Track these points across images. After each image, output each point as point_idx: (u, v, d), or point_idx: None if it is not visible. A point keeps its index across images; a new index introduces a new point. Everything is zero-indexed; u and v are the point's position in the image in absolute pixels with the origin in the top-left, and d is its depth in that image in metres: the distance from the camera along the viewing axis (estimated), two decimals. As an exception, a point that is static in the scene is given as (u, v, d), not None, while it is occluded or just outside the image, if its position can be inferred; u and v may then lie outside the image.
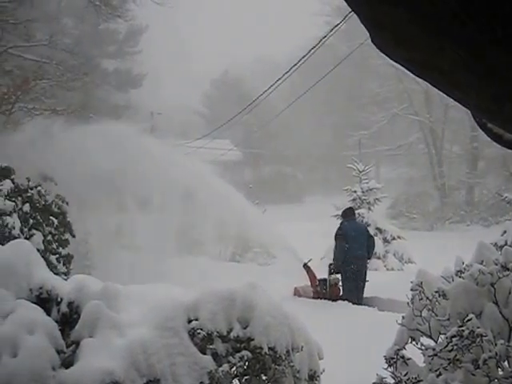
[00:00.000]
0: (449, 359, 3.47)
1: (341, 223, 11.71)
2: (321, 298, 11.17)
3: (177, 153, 14.25)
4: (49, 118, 18.79)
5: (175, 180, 12.72)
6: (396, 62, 1.68)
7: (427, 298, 4.05)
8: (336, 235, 11.37)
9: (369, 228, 15.90)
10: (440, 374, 3.51)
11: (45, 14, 22.33)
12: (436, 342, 3.97)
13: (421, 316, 4.09)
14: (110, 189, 12.38)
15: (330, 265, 11.57)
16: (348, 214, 11.78)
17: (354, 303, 10.53)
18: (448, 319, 3.86)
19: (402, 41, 1.53)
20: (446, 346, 3.49)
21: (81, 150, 12.09)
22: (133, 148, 12.55)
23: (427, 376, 3.62)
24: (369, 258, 11.52)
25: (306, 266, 11.77)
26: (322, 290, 11.23)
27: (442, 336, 3.93)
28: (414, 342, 4.16)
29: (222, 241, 18.00)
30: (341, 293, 11.21)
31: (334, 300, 10.87)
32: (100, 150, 11.98)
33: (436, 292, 4.00)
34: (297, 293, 11.61)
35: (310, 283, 11.58)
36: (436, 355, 3.56)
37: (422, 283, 4.11)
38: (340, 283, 11.30)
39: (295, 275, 12.00)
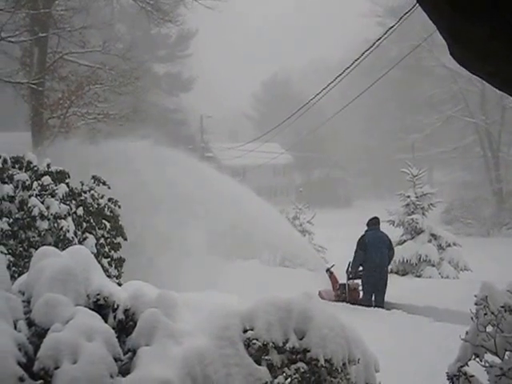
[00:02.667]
0: (518, 380, 3.30)
1: (365, 231, 12.07)
2: (341, 301, 11.88)
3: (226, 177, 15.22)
4: (102, 123, 19.23)
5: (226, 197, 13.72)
6: (476, 75, 1.62)
7: (492, 312, 3.88)
8: (357, 242, 11.86)
9: (423, 234, 15.71)
10: (509, 395, 3.34)
11: (99, 21, 22.82)
12: (502, 360, 3.80)
13: (485, 331, 3.91)
14: (162, 196, 12.89)
15: (347, 271, 12.17)
16: (372, 223, 12.12)
17: (369, 306, 11.17)
18: (516, 336, 3.69)
19: (485, 56, 1.48)
20: (516, 365, 3.32)
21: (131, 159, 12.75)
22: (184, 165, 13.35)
23: (494, 396, 3.46)
24: (388, 266, 12.08)
25: (328, 270, 12.79)
26: (342, 294, 12.05)
27: (508, 353, 3.76)
28: (477, 359, 3.99)
29: (272, 247, 18.15)
30: (360, 297, 11.94)
31: (352, 303, 11.56)
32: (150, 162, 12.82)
33: (502, 307, 3.83)
34: (320, 296, 12.01)
35: (332, 287, 12.46)
36: (504, 375, 3.40)
37: (486, 298, 3.94)
38: (360, 288, 12.06)
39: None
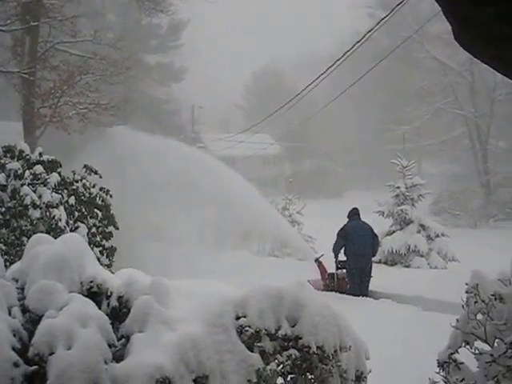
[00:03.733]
0: (508, 366, 3.37)
1: (346, 223, 12.34)
2: (330, 291, 11.95)
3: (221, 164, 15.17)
4: (93, 112, 19.17)
5: (215, 186, 13.74)
6: (481, 60, 1.64)
7: (483, 301, 3.94)
8: (338, 233, 12.17)
9: (412, 224, 15.83)
10: (498, 382, 3.41)
11: (90, 11, 22.69)
12: (491, 347, 3.86)
13: (476, 319, 3.98)
14: (151, 186, 12.86)
15: (336, 261, 12.42)
16: (353, 213, 12.40)
17: (356, 295, 11.33)
18: (505, 324, 3.75)
19: (491, 39, 1.49)
20: (505, 352, 3.38)
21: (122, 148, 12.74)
22: (175, 155, 13.43)
23: (483, 383, 3.52)
24: (373, 256, 12.20)
25: (317, 260, 13.01)
26: (331, 283, 12.23)
27: (498, 341, 3.82)
28: (467, 346, 4.05)
29: (261, 237, 18.23)
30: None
31: (341, 292, 11.66)
32: (142, 153, 12.76)
33: (492, 295, 3.88)
34: None
35: (320, 277, 12.60)
36: (494, 361, 3.46)
37: (477, 286, 4.00)
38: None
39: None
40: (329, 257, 12.66)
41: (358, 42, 15.00)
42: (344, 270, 12.25)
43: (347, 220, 12.39)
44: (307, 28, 72.24)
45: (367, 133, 54.51)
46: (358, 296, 11.32)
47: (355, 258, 11.74)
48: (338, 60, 15.90)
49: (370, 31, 14.38)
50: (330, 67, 16.36)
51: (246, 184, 15.04)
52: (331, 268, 12.55)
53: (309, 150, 54.70)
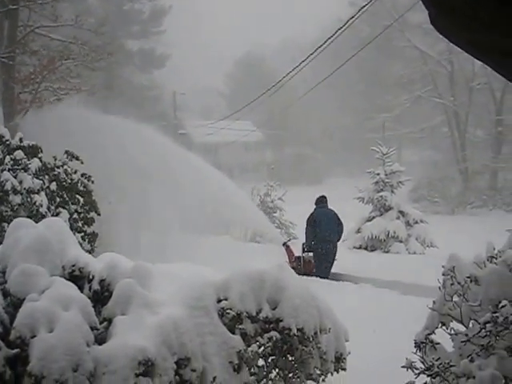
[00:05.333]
0: (482, 345, 3.46)
1: (314, 209, 12.82)
2: (296, 273, 11.99)
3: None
4: (73, 98, 18.98)
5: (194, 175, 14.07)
6: (456, 44, 1.68)
7: (459, 283, 4.03)
8: (307, 220, 12.68)
9: (391, 211, 16.03)
10: (472, 360, 3.50)
11: (71, -6, 22.39)
12: (466, 328, 3.96)
13: (452, 301, 4.07)
14: (133, 171, 12.87)
15: (303, 244, 13.05)
16: (320, 201, 12.90)
17: (321, 277, 11.79)
18: (480, 305, 3.84)
19: (467, 23, 1.53)
20: (479, 331, 3.48)
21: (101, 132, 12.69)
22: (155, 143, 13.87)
23: (458, 361, 3.62)
24: (338, 241, 12.68)
25: (285, 244, 13.75)
26: (298, 266, 12.62)
27: (473, 322, 3.91)
28: (443, 327, 4.15)
29: (243, 224, 18.31)
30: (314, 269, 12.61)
31: (307, 275, 12.03)
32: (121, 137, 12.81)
33: (468, 277, 3.98)
34: None
35: (288, 260, 12.96)
36: (469, 341, 3.56)
37: (453, 268, 4.09)
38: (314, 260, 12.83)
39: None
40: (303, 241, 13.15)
41: (340, 29, 15.03)
42: (310, 254, 12.82)
43: (314, 207, 12.88)
44: (289, 15, 71.99)
45: (348, 120, 54.67)
46: (326, 278, 11.86)
47: (322, 243, 12.31)
48: (320, 47, 15.92)
49: (351, 19, 14.43)
50: (312, 54, 16.38)
51: (218, 172, 15.44)
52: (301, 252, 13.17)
53: (290, 137, 54.76)
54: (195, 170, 14.41)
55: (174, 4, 47.72)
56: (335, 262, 12.58)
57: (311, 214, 12.70)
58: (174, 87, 44.72)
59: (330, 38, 15.04)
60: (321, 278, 11.83)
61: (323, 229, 12.30)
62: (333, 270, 12.51)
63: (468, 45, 1.65)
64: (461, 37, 1.64)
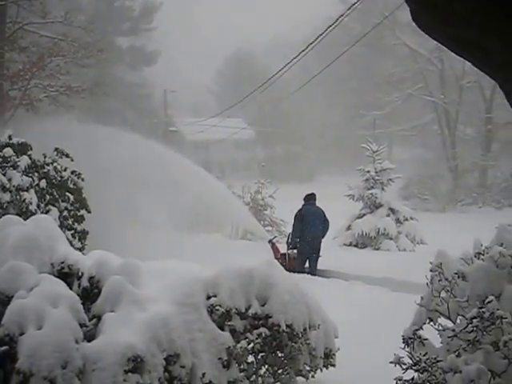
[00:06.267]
0: (468, 340, 3.49)
1: (302, 206, 12.94)
2: None
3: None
4: (64, 95, 18.91)
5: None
6: (438, 41, 1.69)
7: (446, 279, 4.06)
8: (295, 216, 12.87)
9: (382, 208, 16.07)
10: (459, 355, 3.53)
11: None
12: (454, 323, 3.99)
13: (439, 297, 4.10)
14: (124, 170, 12.93)
15: (287, 242, 13.31)
16: (308, 198, 13.02)
17: (300, 273, 11.77)
18: (467, 301, 3.87)
19: (450, 21, 1.54)
20: (466, 327, 3.51)
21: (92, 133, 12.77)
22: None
23: (445, 357, 3.65)
24: (322, 237, 12.80)
25: (270, 242, 14.10)
26: (283, 263, 12.44)
27: (460, 317, 3.94)
28: (431, 323, 4.17)
29: (230, 221, 18.38)
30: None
31: (292, 271, 11.97)
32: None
33: (455, 274, 4.01)
34: None
35: (274, 256, 12.96)
36: (456, 336, 3.59)
37: (441, 264, 4.11)
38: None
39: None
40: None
41: (330, 26, 15.06)
42: (295, 250, 12.97)
43: (303, 203, 13.00)
44: (281, 13, 71.91)
45: (339, 118, 54.71)
46: (305, 274, 11.98)
47: (307, 240, 12.47)
48: (311, 44, 15.93)
49: (341, 16, 14.46)
50: (303, 51, 16.40)
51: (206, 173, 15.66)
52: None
53: (281, 134, 54.72)
54: (183, 169, 14.49)
55: (164, 1, 47.63)
56: (325, 259, 12.66)
57: (299, 210, 12.87)
58: (165, 85, 44.59)
59: (320, 36, 15.07)
60: (300, 272, 11.91)
61: (310, 226, 12.50)
62: (323, 267, 12.56)
63: (449, 41, 1.66)
64: (442, 33, 1.65)
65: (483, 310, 3.48)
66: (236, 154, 54.35)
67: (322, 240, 12.81)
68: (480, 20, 1.48)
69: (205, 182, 14.70)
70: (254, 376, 4.87)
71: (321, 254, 12.68)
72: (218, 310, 4.58)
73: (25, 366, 3.58)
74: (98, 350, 3.91)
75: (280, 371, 5.04)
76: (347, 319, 6.46)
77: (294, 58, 16.89)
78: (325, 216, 12.81)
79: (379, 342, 5.80)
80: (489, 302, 3.53)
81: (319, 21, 35.44)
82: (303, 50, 16.06)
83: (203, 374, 4.30)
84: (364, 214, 16.37)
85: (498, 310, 3.51)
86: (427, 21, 1.61)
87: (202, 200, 14.52)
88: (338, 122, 54.54)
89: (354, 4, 14.05)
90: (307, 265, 12.68)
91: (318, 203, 12.97)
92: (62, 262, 4.53)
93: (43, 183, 10.11)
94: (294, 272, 11.95)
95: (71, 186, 10.66)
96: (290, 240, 13.25)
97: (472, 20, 1.49)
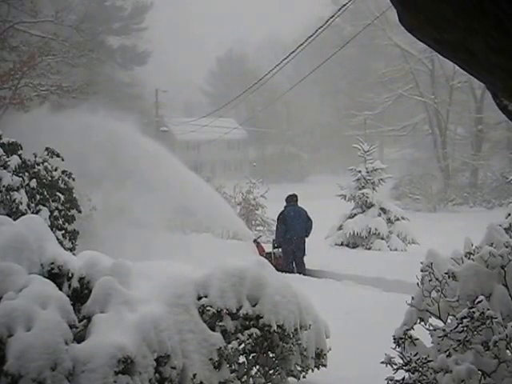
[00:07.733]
0: (459, 340, 3.49)
1: (284, 207, 13.19)
2: None
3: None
4: (55, 95, 18.82)
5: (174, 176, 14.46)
6: (424, 42, 1.68)
7: (437, 279, 4.06)
8: (278, 217, 13.22)
9: (373, 208, 16.09)
10: (449, 355, 3.53)
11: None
12: (445, 323, 3.99)
13: (430, 297, 4.10)
14: (113, 169, 12.92)
15: (273, 241, 13.60)
16: (290, 199, 13.26)
17: (286, 272, 11.73)
18: (457, 300, 3.88)
19: (435, 22, 1.53)
20: (457, 327, 3.51)
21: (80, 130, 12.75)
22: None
23: (436, 357, 3.64)
24: (306, 237, 12.99)
25: (255, 241, 14.34)
26: (269, 262, 12.40)
27: (451, 317, 3.95)
28: (422, 323, 4.17)
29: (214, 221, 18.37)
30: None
31: (278, 270, 11.89)
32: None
33: (446, 273, 4.01)
34: None
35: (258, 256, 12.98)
36: (446, 336, 3.59)
37: (431, 264, 4.12)
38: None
39: None
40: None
41: (321, 27, 15.07)
42: (280, 250, 13.25)
43: (284, 205, 13.21)
44: (273, 13, 71.99)
45: (330, 118, 54.85)
46: (291, 273, 12.14)
47: (291, 240, 12.71)
48: (301, 45, 15.94)
49: (332, 17, 14.48)
50: (293, 52, 16.40)
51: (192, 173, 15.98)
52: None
53: (273, 134, 54.80)
54: (172, 170, 14.55)
55: (155, 1, 47.55)
56: (316, 259, 12.75)
57: (281, 213, 13.13)
58: (156, 84, 44.50)
59: (311, 36, 15.07)
60: (287, 272, 11.97)
61: (293, 226, 12.72)
62: (315, 267, 12.57)
63: (435, 43, 1.66)
64: (427, 34, 1.64)
65: (473, 309, 3.49)
66: (228, 154, 54.36)
67: (306, 239, 12.95)
68: (464, 21, 1.47)
69: (190, 183, 14.78)
70: (245, 376, 4.86)
71: (306, 253, 12.83)
72: (208, 310, 4.56)
73: (13, 368, 3.54)
74: (87, 352, 3.88)
75: (271, 372, 5.03)
76: (339, 319, 6.46)
77: (284, 59, 16.88)
78: (307, 216, 13.00)
79: (370, 342, 5.79)
80: (479, 302, 3.53)
81: (312, 21, 35.54)
82: (293, 52, 16.06)
83: (194, 375, 4.28)
84: (355, 214, 16.38)
85: (488, 309, 3.51)
86: (412, 22, 1.61)
87: (189, 201, 14.55)
88: (329, 122, 54.67)
89: (344, 5, 14.06)
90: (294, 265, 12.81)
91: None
92: (52, 263, 4.49)
93: (34, 183, 10.07)
94: (280, 271, 12.07)
95: (62, 185, 10.62)
96: (275, 239, 13.51)
97: (456, 21, 1.49)
